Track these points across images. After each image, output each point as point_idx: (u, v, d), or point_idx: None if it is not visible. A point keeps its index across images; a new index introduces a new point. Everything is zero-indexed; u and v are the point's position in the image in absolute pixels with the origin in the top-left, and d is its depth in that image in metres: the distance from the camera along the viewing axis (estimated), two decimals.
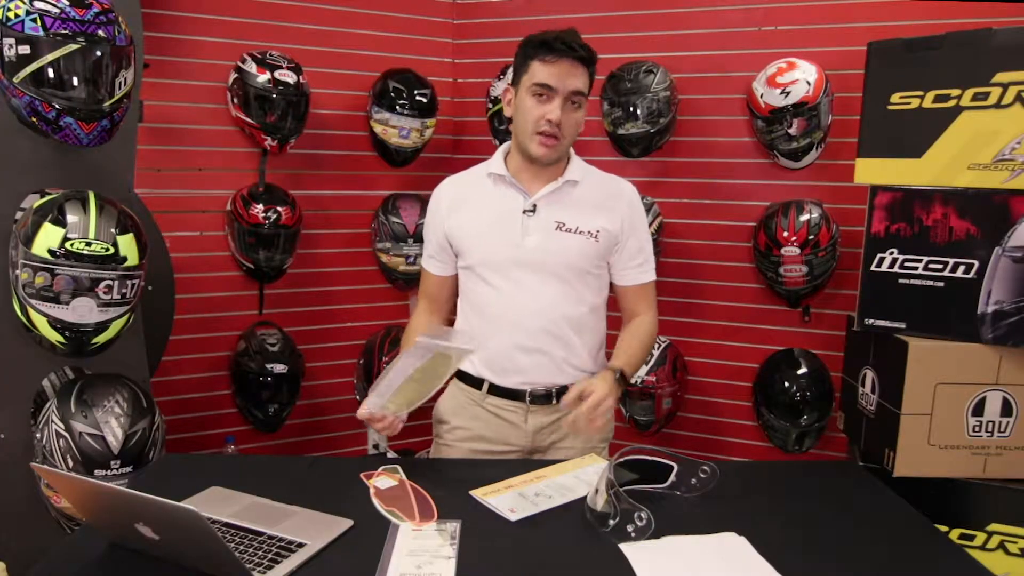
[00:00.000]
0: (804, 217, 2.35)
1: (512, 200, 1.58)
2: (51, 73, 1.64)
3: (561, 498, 1.29)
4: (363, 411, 1.38)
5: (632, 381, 2.52)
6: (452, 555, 1.11)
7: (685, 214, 2.67)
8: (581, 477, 1.38)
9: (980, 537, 1.82)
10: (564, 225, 1.56)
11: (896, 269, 1.86)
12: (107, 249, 1.65)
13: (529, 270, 1.56)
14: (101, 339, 1.73)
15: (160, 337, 2.31)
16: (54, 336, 1.69)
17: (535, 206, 1.57)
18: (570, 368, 1.61)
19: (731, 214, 2.61)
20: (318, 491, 1.30)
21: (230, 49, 2.45)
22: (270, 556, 1.07)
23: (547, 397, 1.60)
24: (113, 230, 1.68)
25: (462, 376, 1.66)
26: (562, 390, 1.60)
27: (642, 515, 1.15)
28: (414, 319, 1.74)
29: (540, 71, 1.49)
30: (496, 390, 1.61)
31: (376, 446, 2.90)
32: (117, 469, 1.67)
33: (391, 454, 2.84)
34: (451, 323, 1.73)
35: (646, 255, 1.65)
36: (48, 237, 1.62)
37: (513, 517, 1.20)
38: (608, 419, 1.71)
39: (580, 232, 1.56)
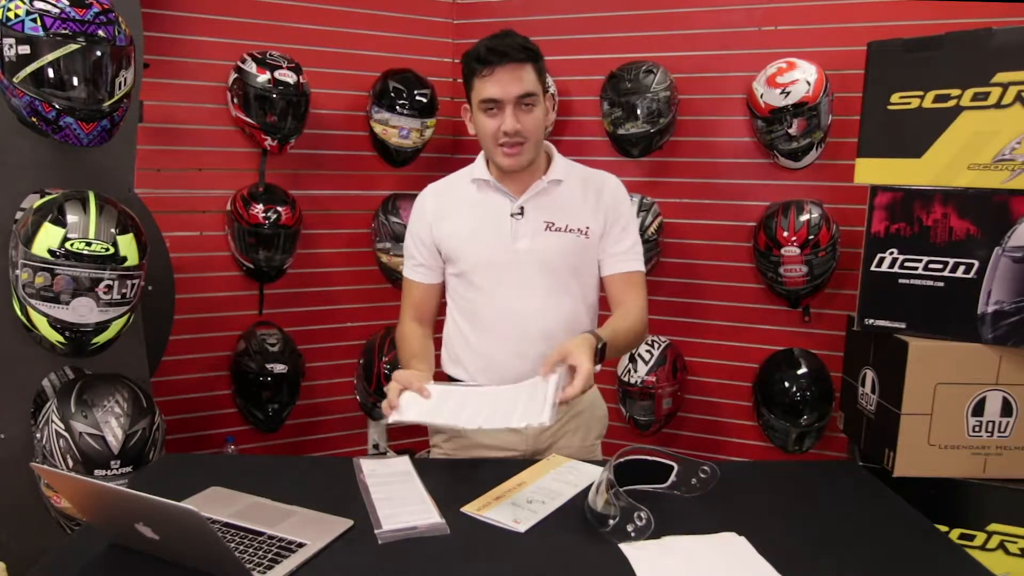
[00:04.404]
0: (804, 217, 2.35)
1: (499, 204, 1.57)
2: (51, 73, 1.64)
3: (553, 502, 1.28)
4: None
5: (632, 381, 2.56)
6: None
7: (685, 214, 2.67)
8: (560, 479, 1.38)
9: (980, 537, 1.82)
10: (553, 225, 1.55)
11: (896, 269, 1.86)
12: (107, 249, 1.65)
13: (522, 273, 1.55)
14: (101, 339, 1.73)
15: (160, 337, 2.31)
16: (54, 336, 1.69)
17: (522, 208, 1.56)
18: None
19: (731, 214, 2.61)
20: (318, 491, 1.30)
21: (230, 49, 2.45)
22: (270, 556, 1.07)
23: None
24: (113, 230, 1.68)
25: (458, 383, 1.65)
26: None
27: (642, 515, 1.15)
28: (407, 327, 1.68)
29: (481, 87, 1.47)
30: None
31: (376, 446, 2.91)
32: (117, 469, 1.67)
33: (391, 454, 2.84)
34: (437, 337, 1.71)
35: (631, 243, 1.61)
36: (48, 237, 1.62)
37: (521, 528, 1.19)
38: (601, 416, 1.70)
39: (570, 230, 1.55)
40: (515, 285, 1.55)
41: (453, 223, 1.59)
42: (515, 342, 1.57)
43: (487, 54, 1.45)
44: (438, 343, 1.70)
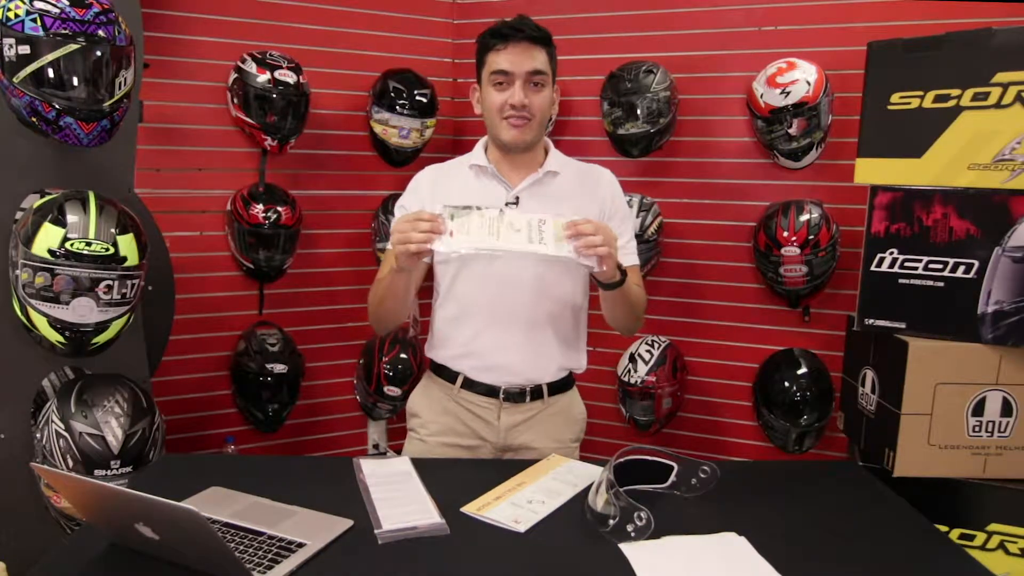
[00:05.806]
0: (804, 217, 2.35)
1: (494, 192, 1.58)
2: (51, 73, 1.63)
3: (553, 502, 1.28)
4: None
5: (632, 381, 2.55)
6: None
7: (685, 214, 2.67)
8: (559, 478, 1.38)
9: (980, 537, 1.82)
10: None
11: (896, 269, 1.85)
12: (107, 249, 1.65)
13: (513, 262, 1.53)
14: (101, 339, 1.73)
15: (160, 337, 2.31)
16: (54, 336, 1.69)
17: (517, 198, 1.57)
18: (552, 364, 1.61)
19: (731, 214, 2.61)
20: (318, 491, 1.30)
21: (230, 49, 2.45)
22: (270, 556, 1.07)
23: (521, 395, 1.60)
24: (113, 230, 1.68)
25: (437, 369, 1.66)
26: (536, 389, 1.61)
27: (642, 515, 1.15)
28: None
29: (495, 60, 1.51)
30: (470, 385, 1.61)
31: (376, 446, 2.90)
32: (117, 469, 1.67)
33: (391, 453, 2.84)
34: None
35: (628, 238, 1.62)
36: (48, 237, 1.62)
37: (521, 528, 1.19)
38: (579, 418, 1.70)
39: None
40: (506, 275, 1.55)
41: None
42: (501, 332, 1.57)
43: (503, 27, 1.51)
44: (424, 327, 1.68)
